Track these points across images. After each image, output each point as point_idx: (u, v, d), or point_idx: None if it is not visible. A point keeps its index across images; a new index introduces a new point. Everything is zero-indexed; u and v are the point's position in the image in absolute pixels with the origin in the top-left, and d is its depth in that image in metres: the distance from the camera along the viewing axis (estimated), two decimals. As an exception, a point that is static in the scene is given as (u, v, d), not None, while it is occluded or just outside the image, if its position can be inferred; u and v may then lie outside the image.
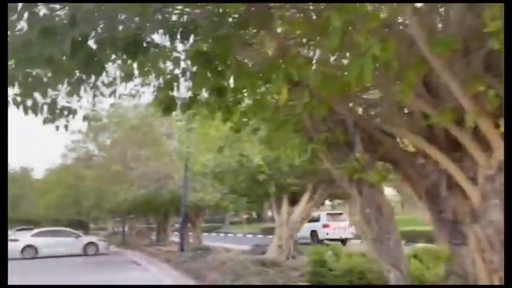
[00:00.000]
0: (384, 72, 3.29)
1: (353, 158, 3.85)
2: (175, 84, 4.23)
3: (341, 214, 23.03)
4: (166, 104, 4.52)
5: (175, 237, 28.90)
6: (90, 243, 21.57)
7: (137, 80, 6.49)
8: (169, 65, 4.69)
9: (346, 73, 3.28)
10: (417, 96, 3.63)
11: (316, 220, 21.73)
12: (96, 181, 21.25)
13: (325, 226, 21.82)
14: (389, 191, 39.78)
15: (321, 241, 20.06)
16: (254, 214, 60.54)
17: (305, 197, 12.00)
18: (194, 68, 4.28)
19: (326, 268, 7.96)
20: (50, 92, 5.06)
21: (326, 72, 3.12)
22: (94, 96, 5.53)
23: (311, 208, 12.24)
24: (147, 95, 6.88)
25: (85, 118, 5.85)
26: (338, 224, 21.82)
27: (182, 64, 4.46)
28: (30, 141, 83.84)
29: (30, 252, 19.85)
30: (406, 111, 4.05)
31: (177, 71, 4.44)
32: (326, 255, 8.37)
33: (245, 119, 5.59)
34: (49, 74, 4.71)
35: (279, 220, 12.06)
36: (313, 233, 21.95)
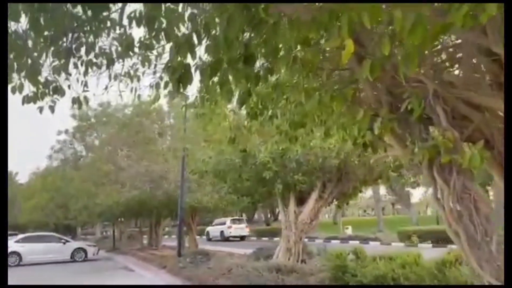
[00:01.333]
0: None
1: (431, 136, 2.96)
2: (193, 46, 3.30)
3: (240, 219, 33.47)
4: (181, 74, 3.59)
5: (166, 241, 27.82)
6: (79, 248, 20.42)
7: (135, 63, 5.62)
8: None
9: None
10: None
11: (223, 223, 32.26)
12: (84, 183, 20.08)
13: (229, 227, 31.70)
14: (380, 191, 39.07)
15: (227, 238, 30.68)
16: (244, 217, 59.57)
17: (314, 196, 11.11)
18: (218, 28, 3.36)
19: (349, 274, 7.07)
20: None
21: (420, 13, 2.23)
22: (86, 72, 4.55)
23: (321, 208, 11.36)
24: (147, 79, 5.89)
25: (74, 100, 4.88)
26: (238, 226, 31.80)
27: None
28: (14, 145, 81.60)
29: (14, 259, 18.57)
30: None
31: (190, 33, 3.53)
32: (348, 259, 7.50)
33: (273, 97, 4.68)
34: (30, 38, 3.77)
35: (286, 221, 11.13)
36: (222, 232, 31.93)
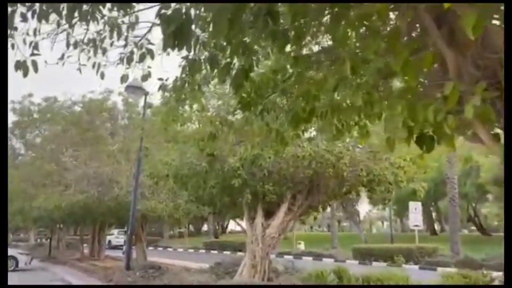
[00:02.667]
0: None
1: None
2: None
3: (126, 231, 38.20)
4: (178, 26, 2.60)
5: (109, 251, 25.84)
6: (8, 256, 18.18)
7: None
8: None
9: None
10: None
11: (112, 234, 39.66)
12: (22, 183, 17.99)
13: (116, 237, 39.23)
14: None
15: (114, 246, 36.63)
16: (191, 228, 57.75)
17: (283, 208, 10.25)
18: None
19: (332, 297, 6.23)
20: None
21: None
22: (39, 22, 3.43)
23: (290, 221, 10.51)
24: (114, 53, 4.79)
25: (19, 65, 3.71)
26: (123, 236, 34.09)
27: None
28: None
29: None
30: None
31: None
32: (328, 279, 6.67)
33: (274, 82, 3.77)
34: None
35: (252, 235, 10.15)
36: (109, 242, 37.34)
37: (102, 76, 4.90)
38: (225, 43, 3.73)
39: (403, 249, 21.92)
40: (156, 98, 13.70)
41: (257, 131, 5.57)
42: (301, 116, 4.29)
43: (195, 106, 7.47)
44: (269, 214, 10.43)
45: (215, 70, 4.05)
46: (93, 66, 4.73)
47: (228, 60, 3.94)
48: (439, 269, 17.60)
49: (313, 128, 8.61)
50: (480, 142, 2.20)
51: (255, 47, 3.29)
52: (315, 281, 6.61)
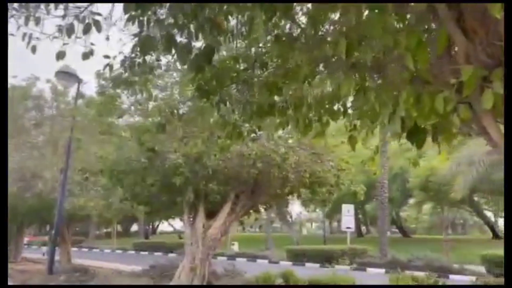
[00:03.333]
0: None
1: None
2: None
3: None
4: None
5: (25, 253, 23.69)
6: None
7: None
8: None
9: None
10: None
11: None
12: None
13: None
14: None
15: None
16: (119, 228, 55.12)
17: (226, 209, 9.86)
18: None
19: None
20: None
21: None
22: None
23: (232, 222, 10.15)
24: (50, 24, 4.11)
25: None
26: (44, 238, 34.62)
27: None
28: None
29: None
30: None
31: None
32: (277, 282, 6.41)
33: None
34: None
35: (192, 236, 9.63)
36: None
37: (34, 50, 4.21)
38: (186, 21, 3.33)
39: (336, 251, 22.39)
40: (89, 88, 12.69)
41: (212, 124, 5.17)
42: (264, 109, 3.98)
43: (138, 96, 6.86)
44: (211, 214, 9.98)
45: (172, 51, 3.61)
46: (23, 38, 4.05)
47: (186, 39, 3.53)
48: (369, 269, 18.21)
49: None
50: (487, 137, 2.01)
51: (225, 23, 2.91)
52: (263, 283, 6.32)
